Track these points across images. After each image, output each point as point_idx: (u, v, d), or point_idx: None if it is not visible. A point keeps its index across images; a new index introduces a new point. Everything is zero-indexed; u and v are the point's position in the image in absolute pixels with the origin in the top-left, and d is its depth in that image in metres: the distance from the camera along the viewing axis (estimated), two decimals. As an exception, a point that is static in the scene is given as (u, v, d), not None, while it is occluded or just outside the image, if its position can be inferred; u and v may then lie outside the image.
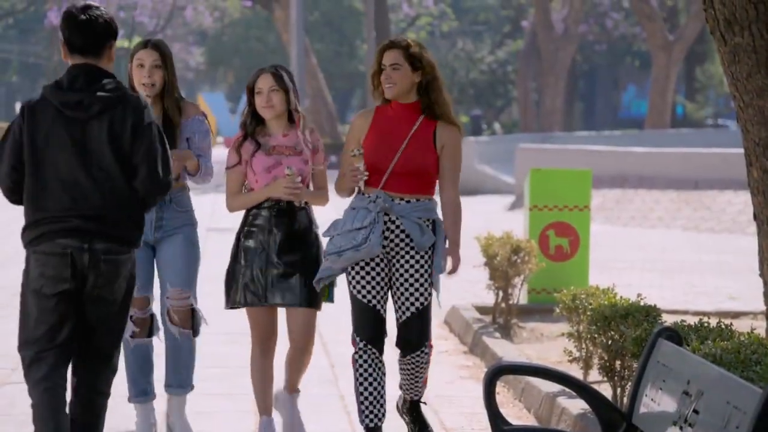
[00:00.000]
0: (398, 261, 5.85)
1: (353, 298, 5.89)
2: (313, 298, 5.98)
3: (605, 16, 48.12)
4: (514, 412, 7.12)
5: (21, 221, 5.09)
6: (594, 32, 48.31)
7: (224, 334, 9.05)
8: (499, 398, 5.91)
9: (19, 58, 60.31)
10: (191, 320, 6.22)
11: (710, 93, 49.83)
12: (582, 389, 4.43)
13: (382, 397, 5.92)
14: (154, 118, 5.07)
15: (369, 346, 5.85)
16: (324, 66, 42.38)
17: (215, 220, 17.10)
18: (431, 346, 5.97)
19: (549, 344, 8.73)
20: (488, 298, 10.08)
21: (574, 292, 7.05)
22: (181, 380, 6.26)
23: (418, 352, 5.86)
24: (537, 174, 10.31)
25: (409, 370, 5.96)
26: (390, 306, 5.98)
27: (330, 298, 6.04)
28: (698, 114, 47.23)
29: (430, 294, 5.85)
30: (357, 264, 5.84)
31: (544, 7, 36.88)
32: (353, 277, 5.86)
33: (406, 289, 5.82)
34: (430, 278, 5.84)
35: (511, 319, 9.40)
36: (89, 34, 5.04)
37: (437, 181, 5.96)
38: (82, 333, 5.04)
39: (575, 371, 7.04)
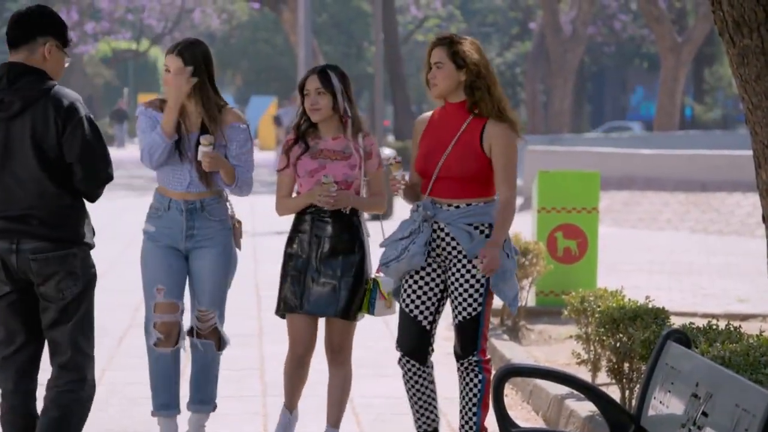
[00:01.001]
0: (451, 269, 5.68)
1: (400, 307, 5.76)
2: (350, 308, 5.82)
3: (613, 18, 48.08)
4: (522, 415, 7.12)
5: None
6: (602, 34, 48.27)
7: (234, 336, 9.04)
8: (507, 400, 5.89)
9: (28, 60, 60.36)
10: (215, 334, 6.04)
11: (719, 95, 49.77)
12: (590, 391, 4.43)
13: (429, 404, 5.81)
14: (86, 113, 4.90)
15: (407, 358, 5.75)
16: (332, 68, 42.30)
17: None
18: (487, 369, 5.70)
19: (557, 346, 8.72)
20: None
21: (582, 294, 7.04)
22: (203, 397, 6.09)
23: (465, 361, 5.66)
24: (545, 176, 10.30)
25: (462, 389, 5.74)
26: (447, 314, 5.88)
27: (371, 311, 5.87)
28: (707, 116, 47.17)
29: (481, 304, 5.64)
30: (410, 274, 5.70)
31: (553, 8, 36.85)
32: (404, 287, 5.74)
33: (456, 298, 5.66)
34: (482, 287, 5.64)
35: (519, 321, 9.39)
36: (19, 28, 4.92)
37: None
38: (44, 334, 5.01)
39: (583, 373, 7.03)
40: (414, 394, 5.81)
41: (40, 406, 5.14)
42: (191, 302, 6.07)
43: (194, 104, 5.95)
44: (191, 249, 5.98)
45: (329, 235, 5.81)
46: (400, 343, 5.77)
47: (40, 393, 5.16)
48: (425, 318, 5.71)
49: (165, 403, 6.03)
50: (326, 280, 5.79)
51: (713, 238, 17.60)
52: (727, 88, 47.12)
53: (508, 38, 52.37)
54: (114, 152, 31.93)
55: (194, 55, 5.92)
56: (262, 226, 17.21)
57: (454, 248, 5.65)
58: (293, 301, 5.82)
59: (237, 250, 6.11)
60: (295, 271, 5.83)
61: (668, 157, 21.86)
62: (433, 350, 5.82)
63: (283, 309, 5.89)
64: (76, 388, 5.02)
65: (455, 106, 5.68)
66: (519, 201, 22.33)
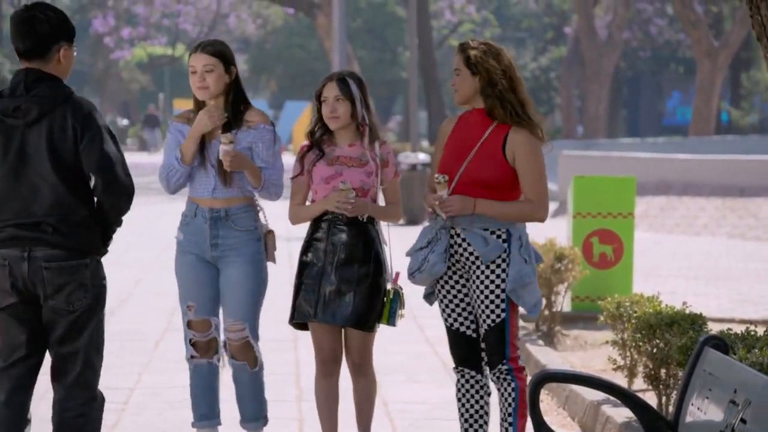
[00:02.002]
0: (470, 276, 5.57)
1: (443, 322, 5.68)
2: (365, 319, 5.73)
3: (649, 23, 47.90)
4: (558, 420, 7.09)
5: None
6: (638, 39, 48.11)
7: (269, 341, 9.06)
8: (543, 406, 5.88)
9: (65, 65, 60.73)
10: (249, 352, 5.89)
11: (756, 99, 49.48)
12: (627, 397, 4.41)
13: (480, 417, 5.68)
14: (103, 121, 4.81)
15: (461, 368, 5.66)
16: (366, 73, 42.41)
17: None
18: (520, 378, 5.53)
19: (593, 352, 8.69)
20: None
21: (618, 299, 7.01)
22: (250, 414, 5.97)
23: (495, 370, 5.52)
24: (580, 181, 10.28)
25: (500, 399, 5.58)
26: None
27: (391, 322, 5.78)
28: (743, 120, 46.90)
29: (504, 310, 5.49)
30: (442, 282, 5.61)
31: (588, 13, 36.76)
32: (438, 297, 5.65)
33: (478, 306, 5.54)
34: (503, 292, 5.48)
35: (555, 326, 9.36)
36: (31, 36, 4.79)
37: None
38: (49, 347, 4.88)
39: (619, 379, 7.00)
40: (465, 404, 5.67)
41: (37, 412, 5.04)
42: (222, 315, 5.95)
43: (222, 107, 5.83)
44: (218, 258, 5.84)
45: (344, 243, 5.74)
46: (452, 354, 5.70)
47: (35, 402, 5.06)
48: (467, 328, 5.62)
49: (205, 414, 5.94)
50: (341, 288, 5.71)
51: (751, 244, 17.49)
52: (764, 93, 46.85)
53: (542, 43, 52.26)
54: (147, 158, 32.06)
55: (220, 49, 5.80)
56: (298, 230, 17.23)
57: (471, 254, 5.53)
58: (308, 309, 5.75)
59: (269, 263, 5.95)
60: (309, 280, 5.76)
61: (705, 162, 21.75)
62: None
63: (296, 318, 5.81)
64: (87, 410, 4.88)
65: (479, 111, 5.60)
66: (554, 206, 22.30)
